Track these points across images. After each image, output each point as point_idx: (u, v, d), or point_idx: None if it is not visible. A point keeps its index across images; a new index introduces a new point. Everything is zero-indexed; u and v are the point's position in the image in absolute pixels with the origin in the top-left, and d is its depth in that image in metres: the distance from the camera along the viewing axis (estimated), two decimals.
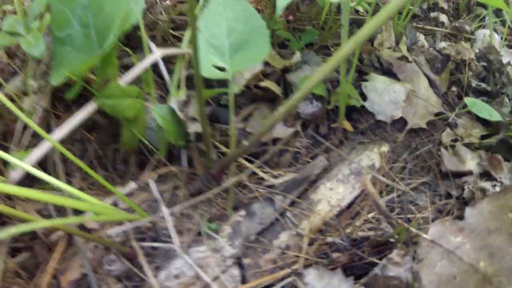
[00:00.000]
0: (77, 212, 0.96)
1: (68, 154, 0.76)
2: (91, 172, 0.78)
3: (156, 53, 0.99)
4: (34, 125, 0.74)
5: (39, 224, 0.76)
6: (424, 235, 0.84)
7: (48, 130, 1.06)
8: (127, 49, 1.09)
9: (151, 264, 0.87)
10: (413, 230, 0.85)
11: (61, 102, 1.10)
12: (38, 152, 0.89)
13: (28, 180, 1.02)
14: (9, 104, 0.74)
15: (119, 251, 0.88)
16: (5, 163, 1.04)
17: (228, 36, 0.96)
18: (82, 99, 1.10)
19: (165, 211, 0.89)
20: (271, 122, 0.85)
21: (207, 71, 0.92)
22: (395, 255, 0.85)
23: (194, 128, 0.95)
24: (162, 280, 0.85)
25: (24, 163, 0.76)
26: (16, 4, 1.10)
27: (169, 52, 1.02)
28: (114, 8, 0.91)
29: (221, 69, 0.94)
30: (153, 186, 0.92)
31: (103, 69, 0.90)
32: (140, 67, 0.96)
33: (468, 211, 0.89)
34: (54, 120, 1.08)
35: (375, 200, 0.90)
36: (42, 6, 1.04)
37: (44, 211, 0.96)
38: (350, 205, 1.01)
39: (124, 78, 0.95)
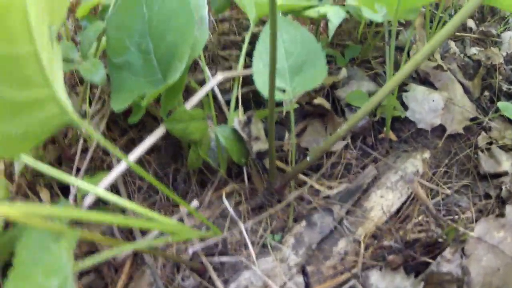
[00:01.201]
0: (145, 232, 1.11)
1: (144, 174, 0.83)
2: (160, 185, 0.90)
3: (218, 77, 1.15)
4: (113, 149, 0.81)
5: (128, 246, 0.87)
6: (471, 233, 1.02)
7: (106, 153, 1.21)
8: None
9: (220, 277, 1.01)
10: (461, 229, 1.03)
11: (116, 126, 1.25)
12: (113, 175, 1.01)
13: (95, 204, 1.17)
14: (98, 136, 0.82)
15: (188, 267, 1.01)
16: (61, 188, 1.18)
17: (287, 59, 1.11)
18: (139, 123, 1.25)
19: (241, 225, 1.05)
20: (334, 139, 1.01)
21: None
22: (447, 253, 1.01)
23: (257, 146, 1.11)
24: None
25: (97, 188, 0.84)
26: (63, 31, 1.24)
27: (229, 75, 1.17)
28: (179, 36, 1.04)
29: (283, 91, 1.10)
30: (226, 202, 1.08)
31: (174, 96, 1.05)
32: (204, 90, 1.11)
33: (508, 208, 1.08)
34: (111, 144, 1.23)
35: (426, 204, 1.07)
36: (97, 33, 1.18)
37: (107, 232, 1.09)
38: (398, 210, 1.18)
39: (190, 102, 1.10)
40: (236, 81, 1.20)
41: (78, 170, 1.16)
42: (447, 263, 1.02)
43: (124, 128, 1.24)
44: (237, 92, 1.19)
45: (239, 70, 1.20)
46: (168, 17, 1.08)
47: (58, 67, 0.75)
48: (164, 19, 1.09)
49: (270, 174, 1.10)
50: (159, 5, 1.11)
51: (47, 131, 0.74)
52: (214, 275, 1.02)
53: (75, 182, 0.78)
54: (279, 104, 1.23)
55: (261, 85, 1.07)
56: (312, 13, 1.20)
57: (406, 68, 0.93)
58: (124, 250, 0.89)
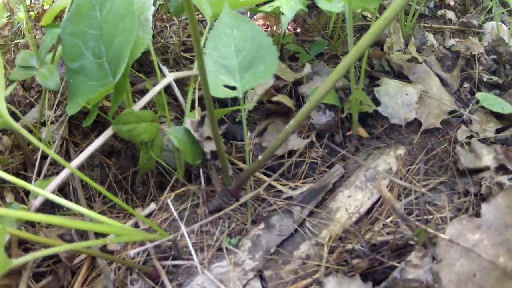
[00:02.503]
0: (99, 235, 1.02)
1: (87, 179, 0.80)
2: (110, 196, 0.82)
3: (169, 77, 1.04)
4: (53, 154, 0.78)
5: (63, 247, 0.80)
6: (442, 235, 0.87)
7: (68, 157, 1.12)
8: (140, 75, 1.15)
9: (173, 282, 0.91)
10: (431, 231, 0.88)
11: (78, 130, 1.17)
12: (58, 179, 0.92)
13: (49, 208, 1.08)
14: (28, 135, 0.79)
15: (141, 271, 0.92)
16: (27, 192, 1.11)
17: (237, 55, 1.00)
18: (100, 125, 1.17)
19: (184, 229, 0.94)
20: (284, 136, 0.89)
21: (218, 90, 0.97)
22: (413, 257, 0.87)
23: (209, 147, 0.99)
24: None
25: (45, 190, 0.81)
26: (28, 38, 1.17)
27: (181, 75, 1.07)
28: (124, 39, 0.96)
29: (233, 88, 0.99)
30: (171, 205, 0.97)
31: (117, 97, 0.95)
32: (153, 91, 1.01)
33: (484, 207, 0.93)
34: (72, 147, 1.15)
35: (392, 204, 0.94)
36: (53, 40, 1.11)
37: (66, 236, 1.01)
38: (369, 211, 1.04)
39: (139, 103, 1.01)
40: (192, 81, 1.09)
41: (39, 173, 1.08)
42: (414, 269, 0.87)
43: (86, 132, 1.16)
44: (193, 92, 1.08)
45: (193, 70, 1.10)
46: (116, 20, 1.01)
47: None
48: (113, 22, 1.01)
49: (223, 174, 0.98)
50: (108, 8, 1.03)
51: None
52: (166, 280, 0.92)
53: (26, 185, 0.75)
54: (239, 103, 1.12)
55: (211, 83, 0.97)
56: (266, 8, 1.09)
57: (353, 52, 0.80)
58: (62, 249, 0.82)
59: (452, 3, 1.51)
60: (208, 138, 1.00)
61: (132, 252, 0.89)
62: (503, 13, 1.52)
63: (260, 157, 0.94)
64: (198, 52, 0.74)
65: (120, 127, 0.95)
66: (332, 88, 0.80)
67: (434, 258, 0.87)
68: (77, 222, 0.77)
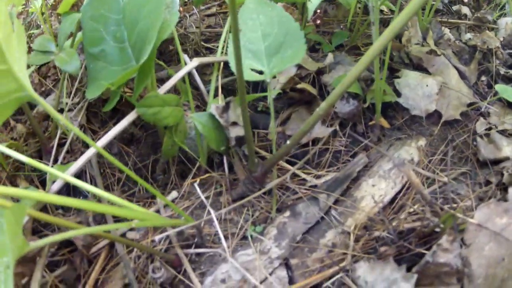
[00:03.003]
0: (119, 222, 0.97)
1: (113, 159, 0.75)
2: (135, 177, 0.78)
3: (193, 62, 1.00)
4: (79, 132, 0.72)
5: (81, 231, 0.74)
6: (471, 220, 0.84)
7: (85, 144, 1.07)
8: (161, 62, 1.11)
9: (196, 271, 0.87)
10: (459, 216, 0.85)
11: (96, 118, 1.12)
12: (79, 162, 0.87)
13: (68, 195, 1.03)
14: (53, 111, 0.73)
15: (163, 259, 0.87)
16: (41, 181, 1.06)
17: (264, 40, 0.96)
18: (119, 113, 1.12)
19: (212, 212, 0.89)
20: (313, 120, 0.85)
21: (246, 74, 0.93)
22: (444, 241, 0.83)
23: (235, 132, 0.95)
24: (209, 285, 0.83)
25: (66, 174, 0.76)
26: (44, 25, 1.13)
27: (205, 61, 1.03)
28: (149, 21, 0.92)
29: (260, 73, 0.95)
30: (198, 189, 0.91)
31: (143, 79, 0.91)
32: (177, 76, 0.97)
33: (511, 191, 0.89)
34: (91, 135, 1.10)
35: (419, 190, 0.90)
36: (73, 24, 1.06)
37: (84, 224, 0.97)
38: (393, 200, 1.00)
39: (162, 88, 0.96)
40: (216, 68, 1.05)
41: (56, 161, 1.03)
42: (445, 253, 0.83)
43: (104, 120, 1.11)
44: (216, 79, 1.04)
45: (217, 56, 1.06)
46: (140, 3, 0.96)
47: (17, 45, 0.70)
48: (137, 5, 0.98)
49: (249, 161, 0.94)
50: None
51: (7, 107, 0.73)
52: (189, 268, 0.87)
53: (46, 168, 0.69)
54: (264, 90, 1.08)
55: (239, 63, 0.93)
56: None
57: (381, 41, 0.76)
58: (77, 234, 0.75)
59: None
60: (234, 123, 0.96)
61: (156, 238, 0.84)
62: None
63: (288, 142, 0.89)
64: (235, 31, 0.70)
65: (144, 110, 0.90)
66: (360, 73, 0.76)
67: (462, 244, 0.84)
68: (97, 205, 0.71)
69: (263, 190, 0.95)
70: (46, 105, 0.71)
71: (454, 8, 1.47)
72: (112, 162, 0.75)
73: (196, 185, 0.91)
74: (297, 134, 0.88)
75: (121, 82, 0.91)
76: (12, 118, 1.13)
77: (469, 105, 1.17)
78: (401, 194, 1.02)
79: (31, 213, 0.72)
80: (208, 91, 1.08)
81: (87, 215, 0.97)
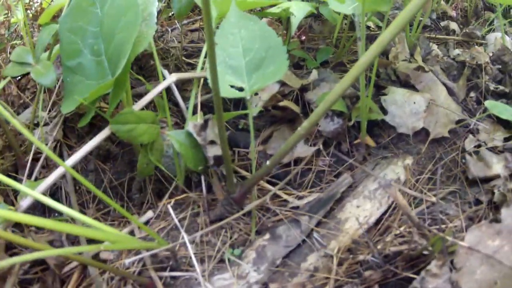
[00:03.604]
0: (92, 243, 0.90)
1: (81, 179, 0.69)
2: (106, 198, 0.72)
3: (171, 78, 0.94)
4: (47, 150, 0.68)
5: (52, 252, 0.68)
6: (461, 242, 0.77)
7: (61, 159, 1.01)
8: (140, 77, 1.04)
9: None
10: (449, 238, 0.78)
11: (73, 133, 1.05)
12: (49, 180, 0.81)
13: (40, 214, 0.96)
14: (25, 131, 0.68)
15: (136, 282, 0.80)
16: (16, 195, 0.99)
17: (244, 56, 0.90)
18: (95, 128, 1.05)
19: (185, 236, 0.81)
20: (294, 139, 0.78)
21: (225, 91, 0.87)
22: (433, 266, 0.77)
23: (213, 151, 0.88)
24: None
25: (35, 191, 0.70)
26: (25, 36, 1.06)
27: (184, 76, 0.96)
28: (126, 34, 0.86)
29: (240, 89, 0.89)
30: (171, 211, 0.85)
31: (117, 94, 0.84)
32: (154, 91, 0.90)
33: (504, 212, 0.83)
34: (66, 150, 1.03)
35: (407, 212, 0.83)
36: (50, 35, 1.00)
37: (56, 243, 0.90)
38: (378, 222, 0.94)
39: (138, 103, 0.89)
40: (195, 84, 0.98)
41: (31, 176, 0.96)
42: (434, 278, 0.77)
43: (80, 134, 1.04)
44: (196, 96, 0.97)
45: (197, 72, 0.99)
46: (117, 16, 0.90)
47: None
48: (114, 17, 0.91)
49: (227, 181, 0.87)
50: (110, 3, 0.92)
51: None
52: None
53: (16, 185, 0.66)
54: (245, 108, 1.01)
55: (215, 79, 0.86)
56: (274, 10, 0.99)
57: (372, 50, 0.70)
58: (47, 255, 0.74)
59: (454, 14, 1.43)
60: (212, 142, 0.89)
61: (127, 261, 0.77)
62: (505, 24, 1.44)
63: (268, 162, 0.83)
64: (210, 44, 0.64)
65: (118, 127, 0.83)
66: (346, 90, 0.70)
67: (452, 268, 0.77)
68: (69, 226, 0.65)
69: (242, 212, 0.89)
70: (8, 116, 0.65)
71: (442, 24, 1.41)
72: (83, 183, 0.68)
73: (169, 206, 0.84)
74: (278, 153, 0.81)
75: (95, 96, 0.85)
76: None
77: (458, 122, 1.10)
78: (387, 215, 0.95)
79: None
80: (188, 108, 1.01)
81: (61, 233, 0.90)
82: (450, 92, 1.15)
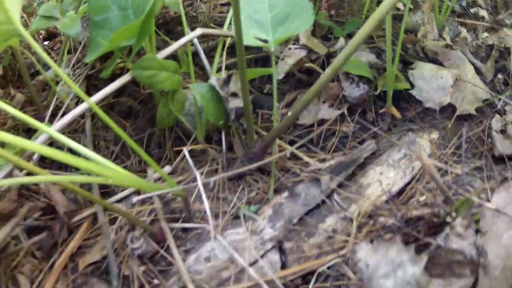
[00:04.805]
0: (105, 196, 0.86)
1: (103, 115, 0.66)
2: (127, 139, 0.68)
3: (197, 31, 0.90)
4: (74, 86, 0.65)
5: (42, 178, 0.66)
6: (488, 204, 0.71)
7: (81, 116, 0.98)
8: (167, 38, 1.02)
9: (180, 248, 0.75)
10: (475, 200, 0.72)
11: (96, 90, 1.02)
12: (68, 116, 0.78)
13: (56, 168, 0.93)
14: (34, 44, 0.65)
15: (146, 231, 0.75)
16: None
17: (270, 10, 0.86)
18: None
19: (201, 188, 0.76)
20: (318, 87, 0.73)
21: (248, 40, 0.83)
22: (458, 225, 0.70)
23: (235, 103, 0.84)
24: (192, 263, 0.71)
25: (51, 129, 0.67)
26: None
27: (210, 32, 0.93)
28: None
29: (265, 41, 0.85)
30: (188, 158, 0.80)
31: (140, 38, 0.81)
32: (179, 42, 0.87)
33: None
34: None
35: (431, 172, 0.76)
36: None
37: (70, 194, 0.86)
38: (401, 192, 0.87)
39: (162, 53, 0.86)
40: (221, 42, 0.95)
41: None
42: (458, 239, 0.70)
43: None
44: (221, 52, 0.94)
45: (223, 30, 0.96)
46: None
47: None
48: None
49: (247, 135, 0.82)
50: None
51: None
52: (172, 243, 0.75)
53: (34, 123, 0.62)
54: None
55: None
56: None
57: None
58: (41, 180, 0.75)
59: (483, 4, 1.38)
60: (234, 94, 0.85)
61: (134, 199, 0.72)
62: None
63: (289, 113, 0.78)
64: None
65: (139, 72, 0.80)
66: (369, 32, 0.66)
67: (477, 232, 0.70)
68: (84, 161, 0.60)
69: (259, 163, 0.83)
70: (34, 43, 0.63)
71: (472, 10, 1.37)
72: (105, 121, 0.65)
73: (186, 152, 0.79)
74: (299, 104, 0.77)
75: (119, 39, 0.82)
76: (13, 87, 1.05)
77: (485, 101, 1.04)
78: (410, 185, 0.89)
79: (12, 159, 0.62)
80: (212, 68, 0.97)
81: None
82: (478, 71, 1.09)
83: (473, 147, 0.98)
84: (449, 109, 1.02)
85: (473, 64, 1.09)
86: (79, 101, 0.97)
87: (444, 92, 1.02)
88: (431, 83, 1.02)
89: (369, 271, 0.68)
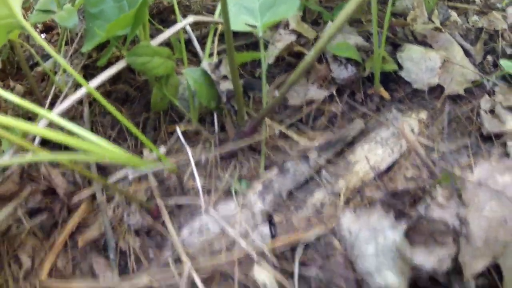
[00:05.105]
0: (104, 176, 0.90)
1: (101, 98, 0.70)
2: (123, 120, 0.72)
3: (189, 18, 0.94)
4: (73, 72, 0.69)
5: (45, 157, 0.70)
6: (470, 176, 0.74)
7: (79, 103, 1.02)
8: (160, 27, 1.06)
9: (174, 223, 0.79)
10: (457, 173, 0.75)
11: (93, 79, 1.07)
12: (68, 102, 0.81)
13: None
14: (36, 36, 0.69)
15: (142, 207, 0.80)
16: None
17: None
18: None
19: (193, 166, 0.81)
20: (301, 68, 0.77)
21: (237, 25, 0.87)
22: (439, 195, 0.74)
23: (225, 85, 0.88)
24: (185, 236, 0.76)
25: (52, 114, 0.70)
26: None
27: (201, 19, 0.96)
28: None
29: (253, 26, 0.89)
30: (180, 136, 0.84)
31: (134, 26, 0.85)
32: (172, 29, 0.91)
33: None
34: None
35: (415, 147, 0.80)
36: None
37: (69, 177, 0.90)
38: (389, 169, 0.91)
39: (155, 39, 0.90)
40: (212, 29, 0.99)
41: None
42: (440, 209, 0.73)
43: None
44: (212, 38, 0.98)
45: (215, 17, 1.00)
46: None
47: None
48: None
49: (238, 115, 0.86)
50: None
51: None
52: (167, 218, 0.79)
53: (35, 109, 0.64)
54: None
55: (231, 21, 0.87)
56: None
57: None
58: (42, 159, 0.78)
59: None
60: (225, 77, 0.89)
61: (131, 176, 0.76)
62: None
63: (277, 93, 0.82)
64: None
65: (134, 59, 0.84)
66: (352, 9, 0.69)
67: (460, 203, 0.74)
68: (85, 142, 0.65)
69: (250, 141, 0.87)
70: (36, 35, 0.67)
71: None
72: (103, 105, 0.69)
73: (179, 131, 0.83)
74: (286, 84, 0.80)
75: (115, 28, 0.86)
76: (12, 79, 1.09)
77: (474, 82, 1.07)
78: (397, 163, 0.92)
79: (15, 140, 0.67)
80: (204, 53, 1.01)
81: (74, 170, 0.91)
82: (467, 54, 1.12)
83: (461, 127, 1.00)
84: (438, 90, 1.05)
85: (462, 46, 1.12)
86: (76, 89, 1.01)
87: (433, 74, 1.05)
88: (420, 65, 1.06)
89: (352, 238, 0.71)
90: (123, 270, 0.76)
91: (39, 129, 0.62)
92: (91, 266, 0.77)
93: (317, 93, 0.97)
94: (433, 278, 0.69)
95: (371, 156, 0.91)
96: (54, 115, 0.68)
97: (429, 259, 0.69)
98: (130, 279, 0.74)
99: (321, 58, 1.03)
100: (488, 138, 0.97)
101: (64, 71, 1.04)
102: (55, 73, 1.04)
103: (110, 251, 0.77)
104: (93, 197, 0.86)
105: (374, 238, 0.70)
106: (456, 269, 0.68)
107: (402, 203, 0.80)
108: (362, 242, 0.70)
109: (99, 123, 0.98)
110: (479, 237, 0.70)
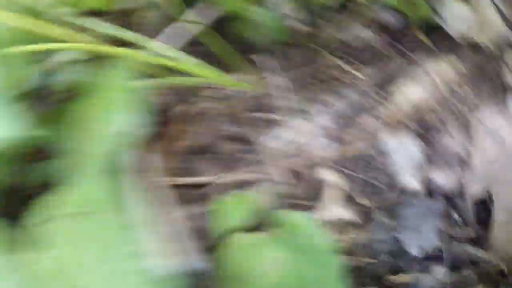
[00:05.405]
0: None
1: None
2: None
3: None
4: None
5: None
6: (477, 117, 0.97)
7: None
8: None
9: (255, 133, 1.04)
10: (469, 114, 0.97)
11: None
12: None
13: None
14: None
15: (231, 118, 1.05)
16: None
17: None
18: None
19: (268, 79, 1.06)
20: None
21: None
22: (453, 128, 1.01)
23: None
24: (264, 142, 1.02)
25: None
26: None
27: None
28: None
29: None
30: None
31: None
32: None
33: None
34: None
35: (442, 88, 1.02)
36: None
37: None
38: (419, 102, 1.10)
39: None
40: None
41: None
42: (452, 139, 1.00)
43: None
44: None
45: None
46: None
47: None
48: None
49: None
50: None
51: None
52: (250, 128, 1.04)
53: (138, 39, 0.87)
54: None
55: None
56: None
57: None
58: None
59: None
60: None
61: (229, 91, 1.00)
62: None
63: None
64: None
65: None
66: None
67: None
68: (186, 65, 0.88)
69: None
70: None
71: None
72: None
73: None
74: None
75: None
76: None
77: (502, 36, 1.24)
78: (426, 99, 1.12)
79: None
80: None
81: None
82: (498, 9, 1.29)
83: (486, 77, 1.17)
84: (469, 39, 1.23)
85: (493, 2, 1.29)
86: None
87: (466, 24, 1.23)
88: (456, 16, 1.24)
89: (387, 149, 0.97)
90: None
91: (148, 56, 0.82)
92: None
93: (363, 32, 1.18)
94: None
95: (406, 90, 1.12)
96: (158, 44, 0.89)
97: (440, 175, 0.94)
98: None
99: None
100: (509, 90, 1.14)
101: None
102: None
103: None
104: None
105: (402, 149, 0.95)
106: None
107: (426, 130, 1.03)
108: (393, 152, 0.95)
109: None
110: (478, 168, 0.93)
